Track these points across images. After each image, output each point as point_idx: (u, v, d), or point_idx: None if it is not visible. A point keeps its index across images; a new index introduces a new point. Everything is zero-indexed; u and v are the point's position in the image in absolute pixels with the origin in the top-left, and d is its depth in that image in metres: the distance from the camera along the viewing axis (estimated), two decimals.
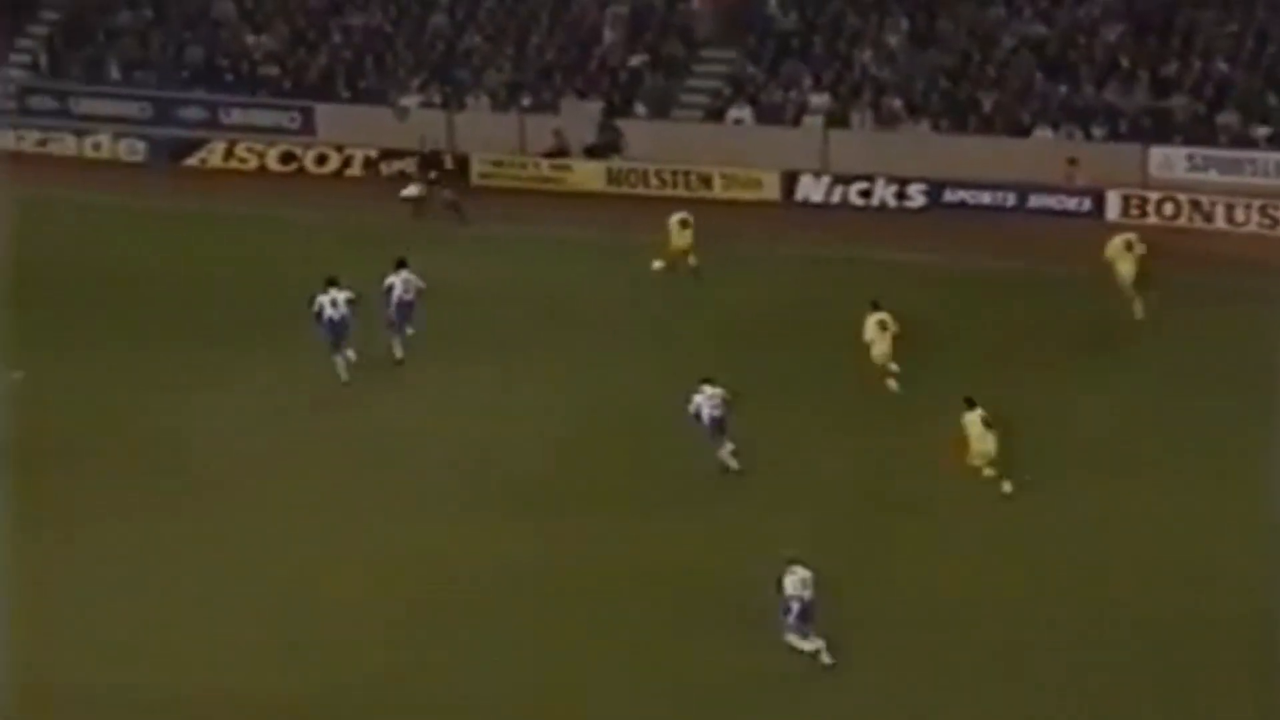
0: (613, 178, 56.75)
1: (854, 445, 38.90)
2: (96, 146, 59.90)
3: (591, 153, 57.43)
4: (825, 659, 30.88)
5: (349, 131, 58.60)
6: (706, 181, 54.53)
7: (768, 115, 57.47)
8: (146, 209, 54.59)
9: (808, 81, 57.82)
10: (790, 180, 55.36)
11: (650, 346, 44.23)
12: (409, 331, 43.06)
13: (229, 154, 58.99)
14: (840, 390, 41.08)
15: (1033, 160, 54.14)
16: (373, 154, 57.77)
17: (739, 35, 59.32)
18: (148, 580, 34.29)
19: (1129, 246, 45.17)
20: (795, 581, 30.66)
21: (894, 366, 41.18)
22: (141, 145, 59.39)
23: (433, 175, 54.86)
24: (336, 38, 61.32)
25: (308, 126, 59.56)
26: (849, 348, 41.12)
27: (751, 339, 44.13)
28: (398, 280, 42.83)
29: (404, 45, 60.81)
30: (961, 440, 36.82)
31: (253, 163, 58.88)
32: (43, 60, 62.80)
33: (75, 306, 46.89)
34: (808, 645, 30.86)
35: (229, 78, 61.25)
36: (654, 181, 56.22)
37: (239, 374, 42.74)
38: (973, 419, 36.86)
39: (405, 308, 42.95)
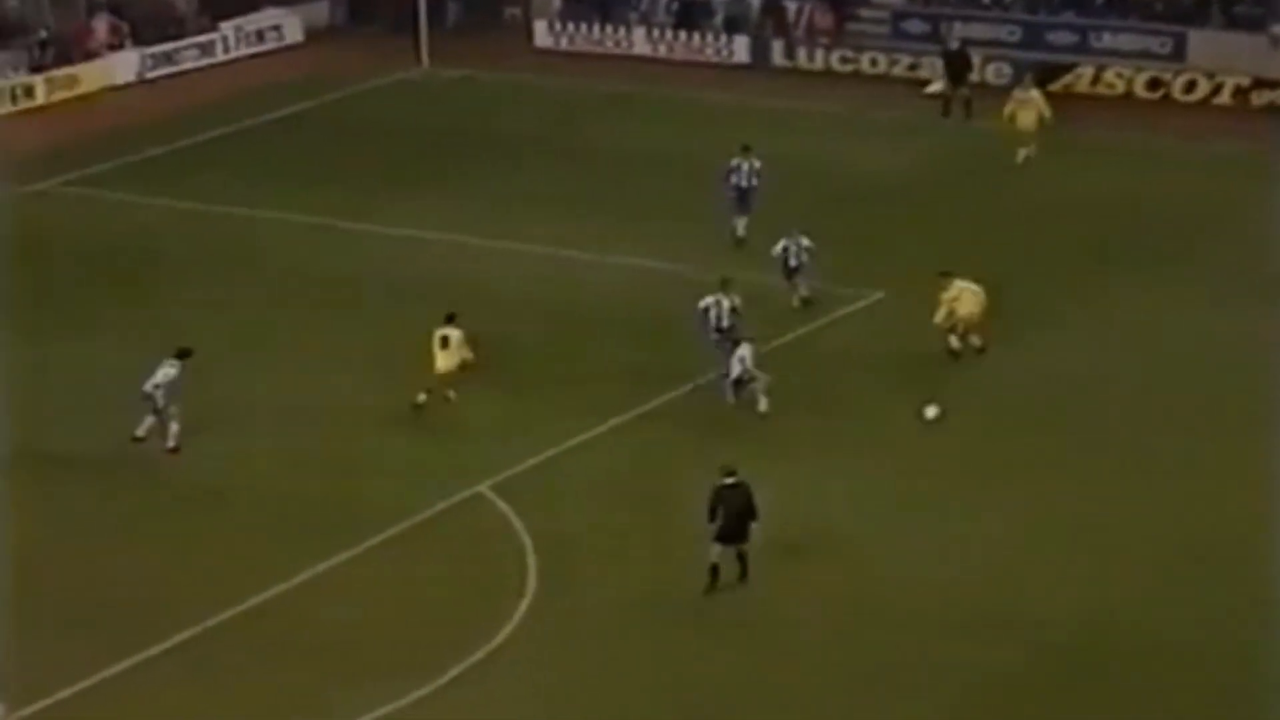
0: None
1: None
2: None
3: None
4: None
5: (1220, 58, 56.78)
6: None
7: None
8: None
9: None
10: None
11: None
12: None
13: (1096, 79, 58.19)
14: None
15: None
16: (1244, 82, 55.85)
17: None
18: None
19: None
20: (712, 301, 37.52)
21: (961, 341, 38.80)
22: (1009, 69, 59.25)
23: (949, 73, 56.02)
24: None
25: (1178, 52, 58.15)
26: None
27: None
28: None
29: None
30: None
31: (1119, 88, 57.85)
32: None
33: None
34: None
35: (1100, 1, 60.34)
36: None
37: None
38: None
39: None
